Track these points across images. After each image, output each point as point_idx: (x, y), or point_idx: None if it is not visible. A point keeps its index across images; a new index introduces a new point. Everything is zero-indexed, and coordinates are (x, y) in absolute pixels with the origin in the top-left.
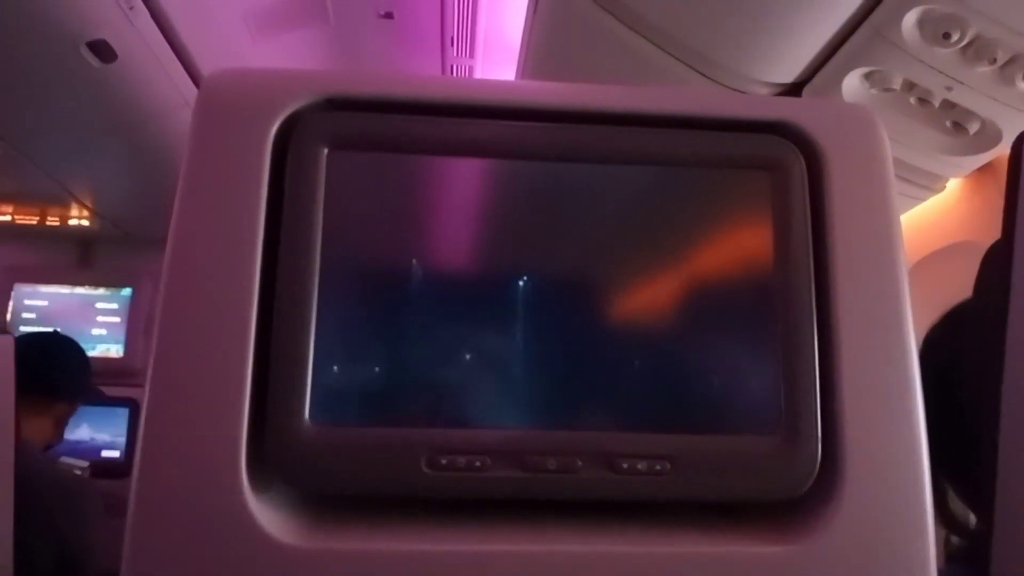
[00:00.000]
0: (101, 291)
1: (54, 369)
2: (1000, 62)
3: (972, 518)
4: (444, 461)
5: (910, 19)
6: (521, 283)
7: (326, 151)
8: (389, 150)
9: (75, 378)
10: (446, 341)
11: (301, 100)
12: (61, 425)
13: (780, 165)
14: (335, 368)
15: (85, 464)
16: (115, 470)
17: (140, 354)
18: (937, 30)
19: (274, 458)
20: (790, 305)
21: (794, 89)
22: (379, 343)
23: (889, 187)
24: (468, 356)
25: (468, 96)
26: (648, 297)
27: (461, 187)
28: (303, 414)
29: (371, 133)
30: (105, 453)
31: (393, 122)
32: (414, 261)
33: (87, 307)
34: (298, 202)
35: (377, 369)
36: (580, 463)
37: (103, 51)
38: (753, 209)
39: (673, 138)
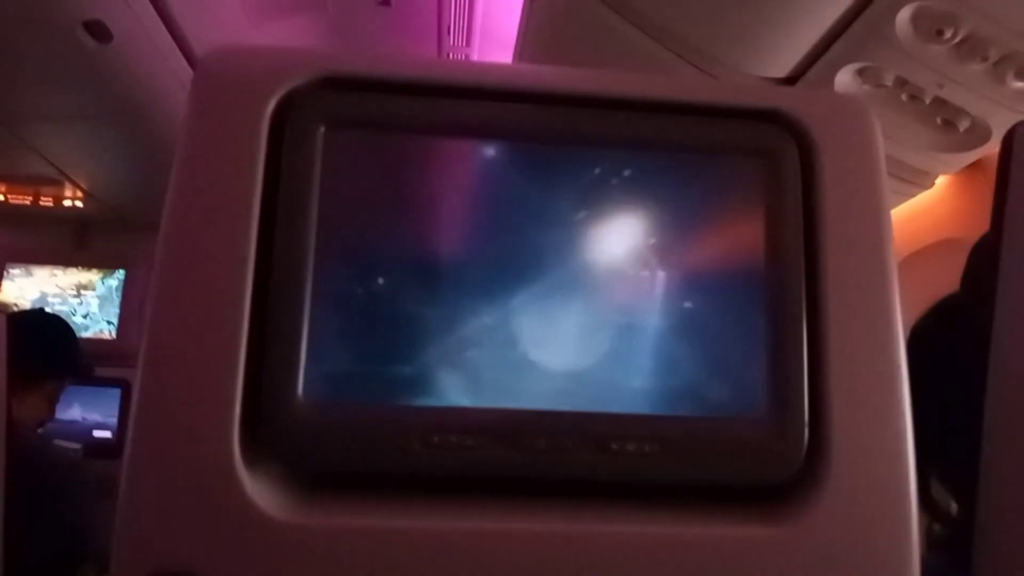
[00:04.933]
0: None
1: (42, 346)
2: (992, 60)
3: (954, 506)
4: (437, 439)
5: (904, 15)
6: (513, 265)
7: (323, 130)
8: (386, 130)
9: (64, 355)
10: (440, 321)
11: (299, 78)
12: (53, 402)
13: (773, 152)
14: (329, 346)
15: (78, 446)
16: (107, 450)
17: (133, 336)
18: (931, 27)
19: (267, 435)
20: (780, 291)
21: (787, 84)
22: (373, 322)
23: (880, 177)
24: (462, 336)
25: (465, 78)
26: (639, 280)
27: (457, 168)
28: (297, 391)
29: (368, 112)
30: (97, 433)
31: (391, 102)
32: (409, 241)
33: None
34: (294, 180)
35: (371, 348)
36: (570, 443)
37: (99, 31)
38: (745, 195)
39: (668, 123)
